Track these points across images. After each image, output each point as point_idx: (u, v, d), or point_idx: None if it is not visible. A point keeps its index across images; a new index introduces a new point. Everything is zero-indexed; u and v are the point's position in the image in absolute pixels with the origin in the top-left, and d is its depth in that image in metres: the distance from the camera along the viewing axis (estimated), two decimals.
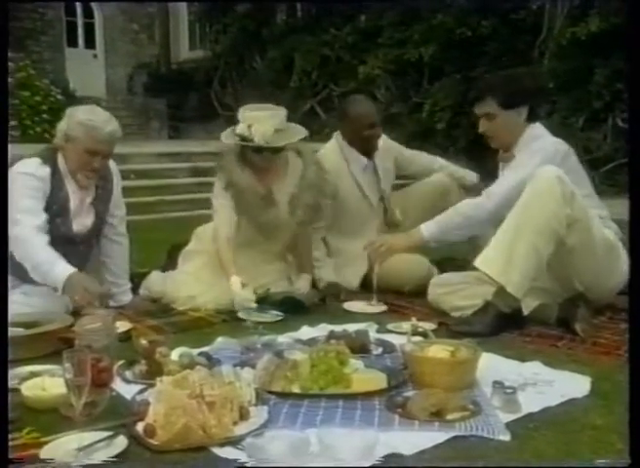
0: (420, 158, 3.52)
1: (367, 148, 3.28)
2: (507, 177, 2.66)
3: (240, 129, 2.77)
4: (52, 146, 2.67)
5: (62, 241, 2.60)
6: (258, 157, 2.82)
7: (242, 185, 2.86)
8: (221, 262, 2.81)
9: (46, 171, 2.58)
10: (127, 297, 2.90)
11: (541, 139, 2.66)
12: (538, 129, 2.70)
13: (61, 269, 2.43)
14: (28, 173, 2.54)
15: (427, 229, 2.71)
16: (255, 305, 2.57)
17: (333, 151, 3.32)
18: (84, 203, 2.70)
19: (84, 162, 2.59)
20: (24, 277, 2.57)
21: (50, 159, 2.62)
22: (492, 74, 3.95)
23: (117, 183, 2.85)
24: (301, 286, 2.95)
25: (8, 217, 2.27)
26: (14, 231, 2.44)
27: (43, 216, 2.53)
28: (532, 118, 2.70)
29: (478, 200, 2.70)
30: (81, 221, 2.70)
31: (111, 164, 2.80)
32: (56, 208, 2.60)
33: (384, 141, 3.37)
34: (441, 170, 3.40)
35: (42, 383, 1.84)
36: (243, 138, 2.77)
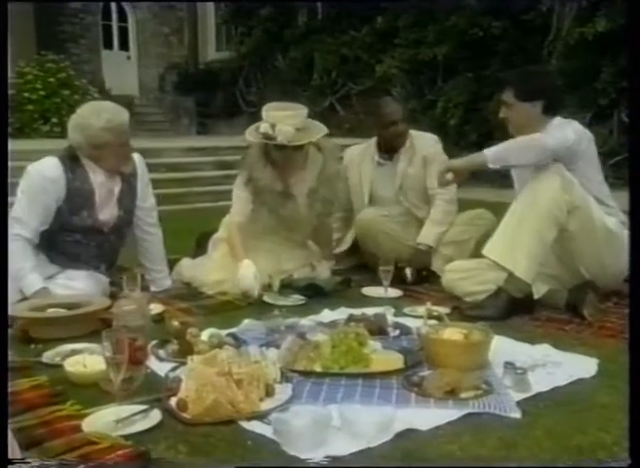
0: (431, 178, 3.08)
1: (387, 147, 3.25)
2: (557, 129, 2.54)
3: (264, 128, 2.74)
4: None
5: (92, 231, 2.60)
6: (280, 154, 2.80)
7: (262, 181, 2.85)
8: (231, 247, 2.81)
9: (59, 170, 2.51)
10: (167, 282, 2.90)
11: (570, 123, 2.58)
12: (562, 120, 2.62)
13: (30, 282, 2.43)
14: (40, 173, 2.50)
15: (490, 152, 2.52)
16: (256, 293, 2.53)
17: (359, 147, 3.38)
18: (112, 194, 2.64)
19: (110, 158, 2.55)
20: (65, 264, 2.61)
21: (69, 158, 2.56)
22: (512, 68, 3.86)
23: (142, 176, 2.76)
24: (322, 272, 2.97)
25: (8, 218, 2.21)
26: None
27: (33, 222, 2.48)
28: (550, 112, 2.61)
29: (538, 135, 2.53)
30: (108, 212, 2.64)
31: (137, 158, 2.74)
32: (80, 200, 2.55)
33: (422, 145, 3.23)
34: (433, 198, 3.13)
35: (83, 360, 1.86)
36: (266, 137, 2.75)
